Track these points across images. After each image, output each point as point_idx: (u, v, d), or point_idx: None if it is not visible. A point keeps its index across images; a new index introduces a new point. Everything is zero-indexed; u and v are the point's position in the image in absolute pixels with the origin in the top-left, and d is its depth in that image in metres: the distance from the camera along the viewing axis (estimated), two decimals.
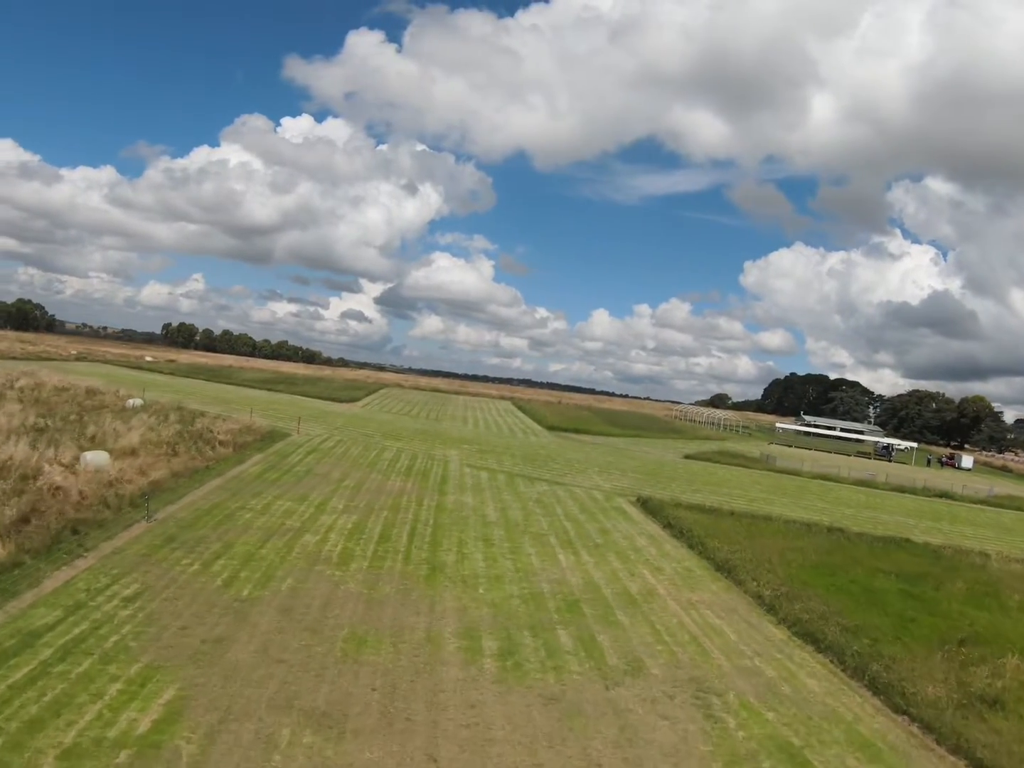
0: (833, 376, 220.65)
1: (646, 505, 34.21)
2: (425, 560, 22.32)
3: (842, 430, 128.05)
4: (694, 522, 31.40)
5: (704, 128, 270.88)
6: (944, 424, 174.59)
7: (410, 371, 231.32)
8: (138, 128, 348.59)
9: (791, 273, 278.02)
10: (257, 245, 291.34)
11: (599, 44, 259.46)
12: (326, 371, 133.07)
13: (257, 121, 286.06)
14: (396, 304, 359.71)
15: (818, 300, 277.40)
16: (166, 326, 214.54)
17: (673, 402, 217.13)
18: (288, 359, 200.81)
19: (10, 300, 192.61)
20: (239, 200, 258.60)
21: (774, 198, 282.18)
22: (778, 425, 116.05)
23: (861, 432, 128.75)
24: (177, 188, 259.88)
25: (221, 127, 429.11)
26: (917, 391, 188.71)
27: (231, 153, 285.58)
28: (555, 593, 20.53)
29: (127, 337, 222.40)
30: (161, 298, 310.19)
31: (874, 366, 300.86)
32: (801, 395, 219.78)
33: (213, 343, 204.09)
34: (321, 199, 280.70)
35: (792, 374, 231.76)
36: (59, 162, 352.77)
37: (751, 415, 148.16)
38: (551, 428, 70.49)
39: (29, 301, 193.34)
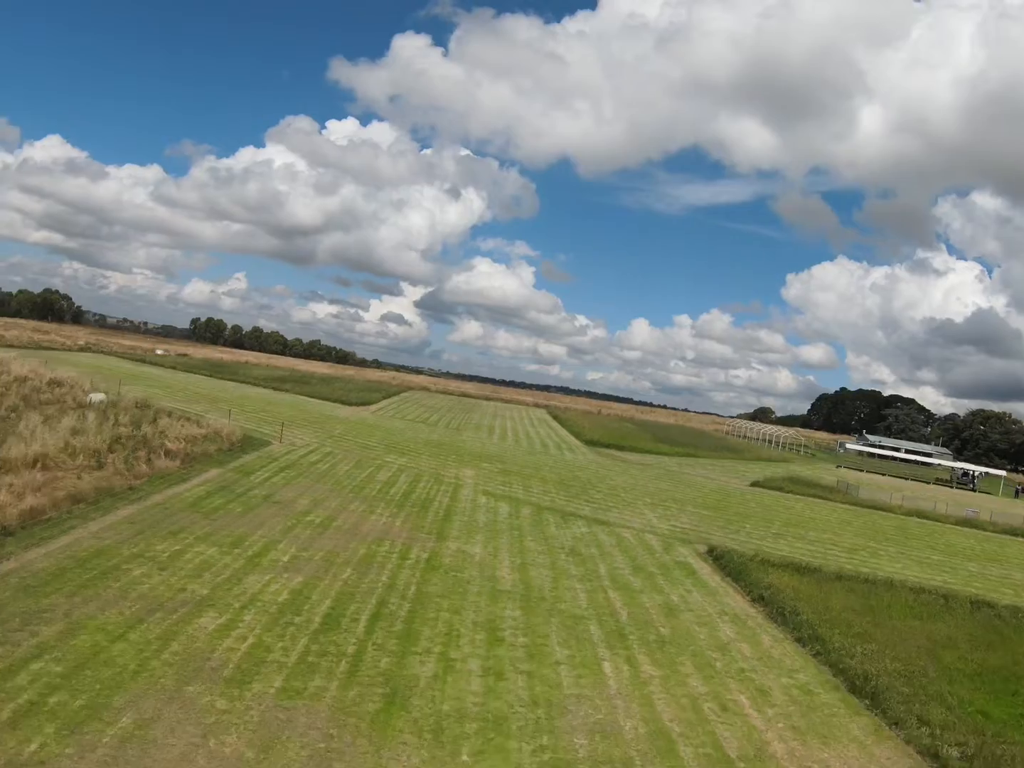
0: (883, 392, 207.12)
1: (721, 561, 24.98)
2: (382, 675, 13.45)
3: (907, 451, 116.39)
4: (793, 592, 22.18)
5: (750, 137, 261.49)
6: (1013, 447, 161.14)
7: (447, 375, 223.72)
8: (184, 127, 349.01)
9: (834, 287, 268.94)
10: (300, 246, 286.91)
11: (645, 51, 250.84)
12: (348, 371, 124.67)
13: (302, 122, 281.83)
14: (436, 308, 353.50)
15: (860, 315, 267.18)
16: (194, 321, 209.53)
17: (719, 415, 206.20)
18: (320, 359, 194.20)
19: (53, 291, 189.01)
20: (283, 201, 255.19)
21: (819, 210, 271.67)
22: (848, 446, 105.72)
23: (929, 455, 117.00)
24: (222, 187, 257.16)
25: (266, 128, 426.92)
26: (982, 411, 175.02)
27: (276, 154, 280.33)
28: (598, 762, 11.51)
29: (166, 333, 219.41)
30: (203, 296, 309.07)
31: (916, 383, 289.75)
32: (851, 411, 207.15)
33: (241, 340, 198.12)
34: (364, 202, 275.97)
35: (842, 389, 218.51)
36: (106, 159, 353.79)
37: (804, 432, 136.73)
38: (590, 443, 61.04)
39: (56, 291, 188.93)
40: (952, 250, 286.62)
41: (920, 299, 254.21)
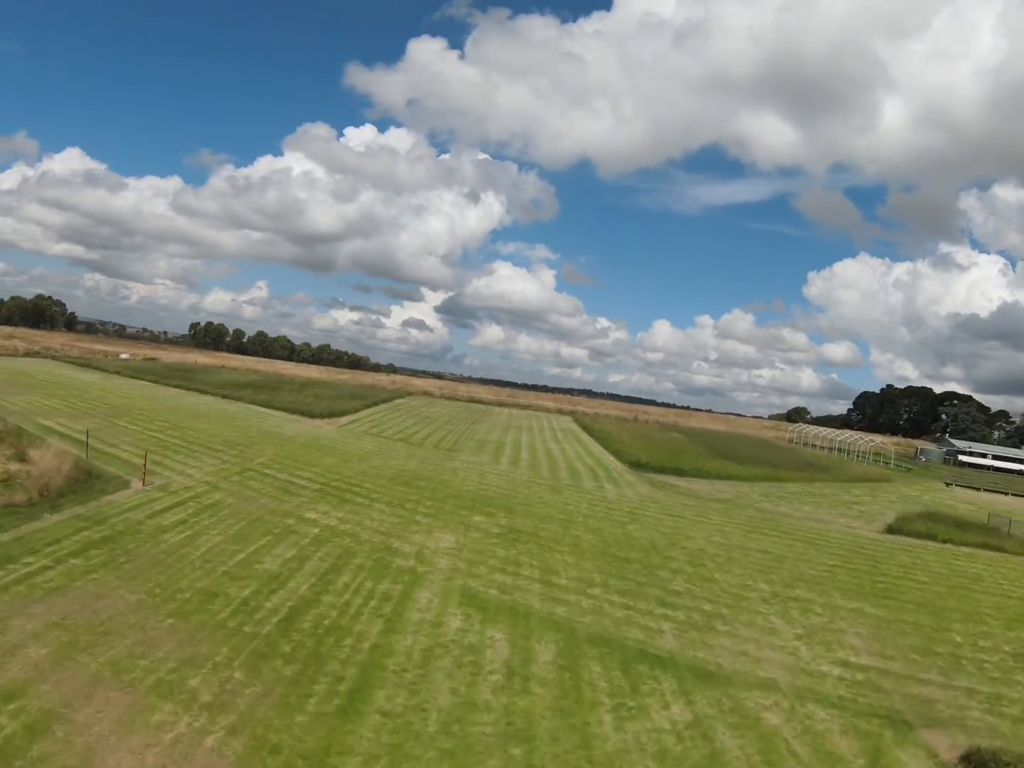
0: (935, 390, 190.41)
1: None
2: None
3: (995, 457, 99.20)
4: None
5: (771, 134, 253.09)
6: None
7: (470, 380, 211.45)
8: (201, 137, 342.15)
9: (856, 284, 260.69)
10: (320, 253, 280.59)
11: (663, 49, 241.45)
12: (343, 375, 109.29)
13: (320, 130, 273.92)
14: (457, 313, 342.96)
15: (884, 312, 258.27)
16: (193, 326, 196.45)
17: (743, 415, 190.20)
18: (331, 363, 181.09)
19: (78, 304, 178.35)
20: (302, 208, 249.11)
21: (841, 206, 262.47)
22: (963, 460, 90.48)
23: None
24: (241, 196, 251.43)
25: (284, 136, 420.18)
26: None
27: (294, 162, 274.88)
28: None
29: (183, 342, 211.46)
30: (225, 305, 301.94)
31: (941, 380, 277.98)
32: (898, 410, 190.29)
33: (244, 345, 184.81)
34: (384, 208, 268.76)
35: (889, 386, 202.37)
36: (125, 171, 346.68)
37: (860, 435, 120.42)
38: (637, 466, 44.51)
39: (49, 298, 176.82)
40: (975, 244, 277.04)
41: (944, 294, 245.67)
